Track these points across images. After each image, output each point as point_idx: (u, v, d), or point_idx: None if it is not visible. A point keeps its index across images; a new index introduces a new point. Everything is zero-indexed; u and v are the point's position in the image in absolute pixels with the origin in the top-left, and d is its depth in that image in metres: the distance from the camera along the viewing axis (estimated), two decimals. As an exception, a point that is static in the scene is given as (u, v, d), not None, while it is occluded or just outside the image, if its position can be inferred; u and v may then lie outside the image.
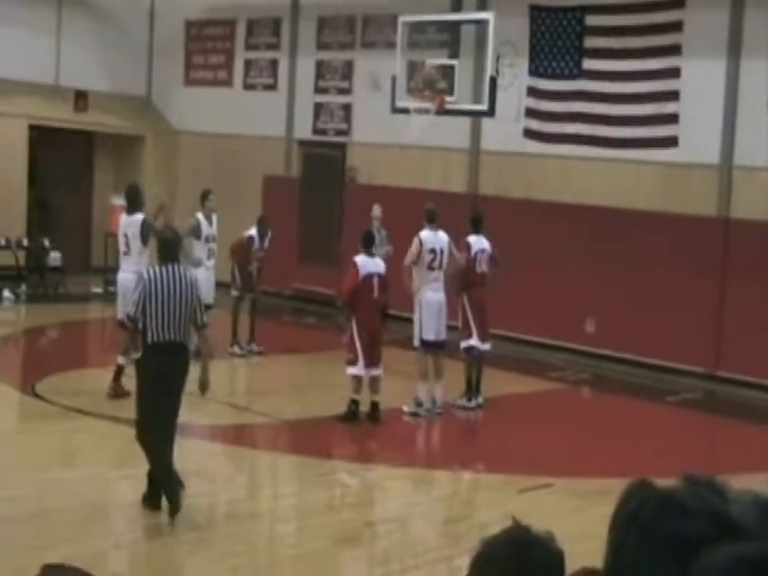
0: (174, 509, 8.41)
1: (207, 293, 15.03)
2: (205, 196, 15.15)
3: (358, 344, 12.13)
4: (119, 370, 12.37)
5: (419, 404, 12.71)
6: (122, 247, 12.97)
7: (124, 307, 12.15)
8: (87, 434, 11.55)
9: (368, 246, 12.43)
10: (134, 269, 12.12)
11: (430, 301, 12.78)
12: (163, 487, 8.61)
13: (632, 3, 16.32)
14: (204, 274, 14.96)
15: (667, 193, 16.01)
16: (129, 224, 12.77)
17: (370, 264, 12.28)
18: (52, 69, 22.07)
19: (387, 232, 15.16)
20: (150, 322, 8.60)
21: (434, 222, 13.02)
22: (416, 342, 12.98)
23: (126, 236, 12.84)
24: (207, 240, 14.94)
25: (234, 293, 15.65)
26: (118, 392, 12.31)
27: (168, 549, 8.43)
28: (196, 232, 14.84)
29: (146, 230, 12.63)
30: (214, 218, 15.08)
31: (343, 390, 12.65)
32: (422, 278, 12.77)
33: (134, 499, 8.90)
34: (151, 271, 8.87)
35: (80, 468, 10.42)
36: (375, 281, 12.25)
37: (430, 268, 12.79)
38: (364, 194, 18.35)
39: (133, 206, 13.02)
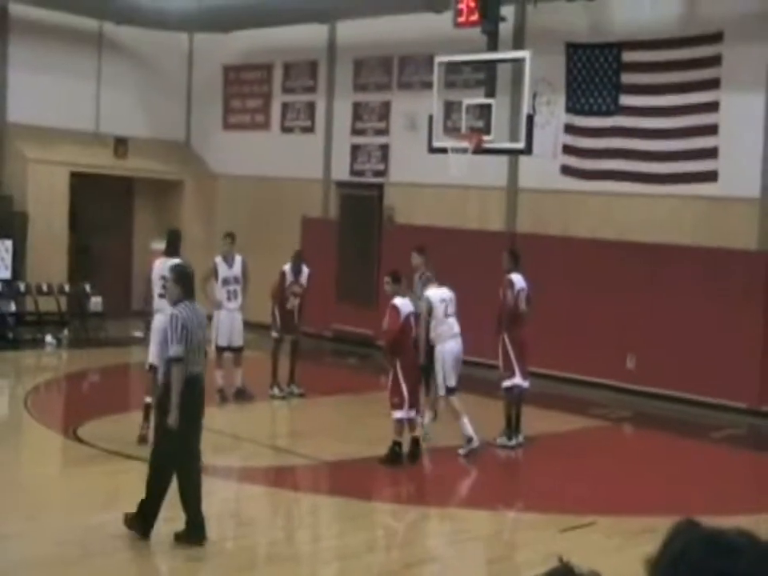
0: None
1: (230, 334, 15.15)
2: (223, 238, 15.46)
3: (404, 386, 12.13)
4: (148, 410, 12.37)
5: (469, 440, 12.73)
6: (157, 290, 13.09)
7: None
8: (129, 477, 11.60)
9: (399, 283, 12.52)
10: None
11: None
12: (156, 500, 9.00)
13: (669, 39, 16.36)
14: (225, 316, 15.10)
15: (708, 227, 15.97)
16: (168, 267, 12.88)
17: (406, 304, 12.36)
18: (92, 116, 22.47)
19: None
20: (187, 357, 9.03)
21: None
22: (441, 392, 13.00)
23: (164, 278, 12.96)
24: (226, 282, 15.14)
25: (274, 334, 15.77)
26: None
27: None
28: (214, 274, 15.09)
29: None
30: (238, 259, 15.25)
31: (383, 430, 12.70)
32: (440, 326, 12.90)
33: (170, 545, 9.00)
34: (184, 310, 9.16)
35: (122, 511, 10.48)
36: (412, 320, 12.37)
37: (445, 315, 12.98)
38: (402, 234, 18.48)
39: (173, 250, 13.22)
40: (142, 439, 12.22)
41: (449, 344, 12.93)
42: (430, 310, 12.97)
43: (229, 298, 15.13)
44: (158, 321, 12.93)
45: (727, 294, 15.53)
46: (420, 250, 14.57)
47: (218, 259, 15.30)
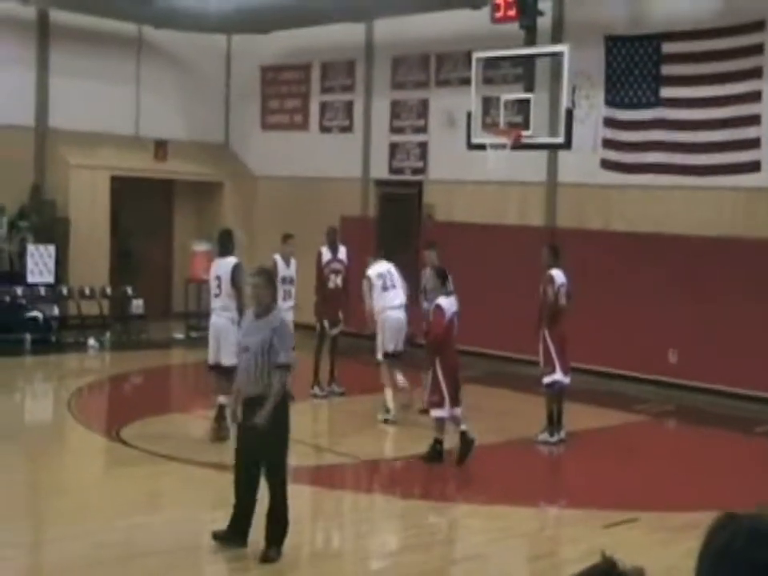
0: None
1: None
2: (284, 239, 15.43)
3: (443, 385, 12.14)
4: (221, 411, 12.59)
5: (387, 410, 13.99)
6: (213, 290, 13.26)
7: (216, 352, 12.72)
8: (172, 479, 11.73)
9: (444, 283, 12.56)
10: (224, 311, 12.79)
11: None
12: (284, 526, 8.91)
13: (710, 29, 16.25)
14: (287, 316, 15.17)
15: (751, 218, 15.85)
16: (221, 267, 13.04)
17: (451, 304, 12.39)
18: (132, 120, 22.66)
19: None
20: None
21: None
22: (379, 356, 14.45)
23: (218, 278, 13.09)
24: (284, 281, 15.18)
25: (329, 329, 15.76)
26: (221, 435, 12.57)
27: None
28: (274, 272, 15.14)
29: (236, 274, 12.89)
30: (293, 261, 15.32)
31: (423, 428, 12.73)
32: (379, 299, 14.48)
33: (212, 547, 9.05)
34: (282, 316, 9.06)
35: (165, 512, 10.59)
36: (455, 320, 12.38)
37: (384, 288, 14.54)
38: (442, 232, 18.46)
39: (225, 249, 13.34)
40: (218, 438, 12.55)
41: (388, 313, 14.21)
42: (370, 286, 14.44)
43: (284, 298, 15.12)
44: (215, 323, 13.08)
45: (769, 285, 15.44)
46: (430, 246, 14.84)
47: (278, 257, 15.29)
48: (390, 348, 14.39)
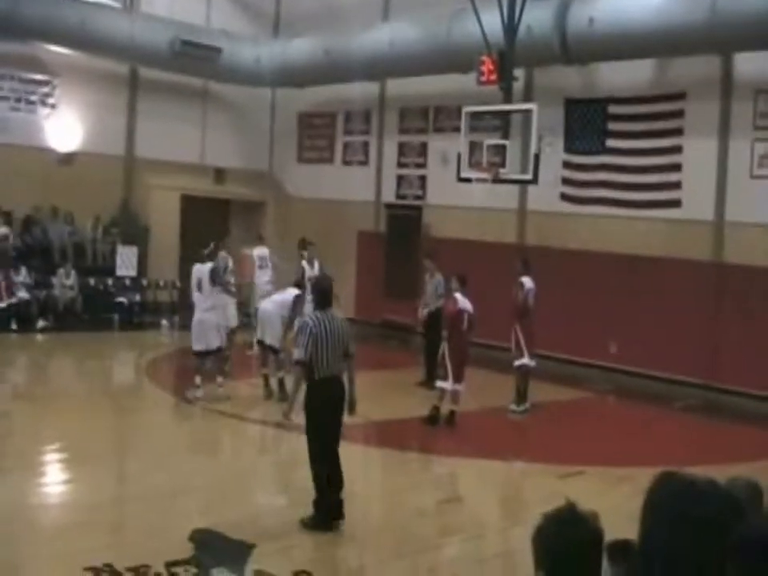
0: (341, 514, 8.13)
1: None
2: (305, 245, 15.55)
3: (448, 364, 12.06)
4: (267, 378, 13.15)
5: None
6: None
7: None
8: (223, 430, 11.76)
9: (464, 285, 12.46)
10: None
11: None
12: (326, 493, 8.12)
13: (645, 96, 16.26)
14: (309, 308, 15.08)
15: (672, 242, 15.81)
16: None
17: (463, 302, 12.29)
18: (198, 152, 22.58)
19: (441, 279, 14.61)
20: (317, 361, 7.94)
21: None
22: None
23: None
24: (310, 281, 15.12)
25: None
26: (271, 393, 13.02)
27: (289, 517, 8.32)
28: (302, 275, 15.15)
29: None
30: (316, 262, 15.33)
31: (420, 397, 12.68)
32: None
33: (256, 484, 9.03)
34: (314, 318, 8.10)
35: (217, 456, 10.59)
36: (465, 316, 12.25)
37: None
38: (437, 245, 18.41)
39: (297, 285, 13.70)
40: (269, 395, 12.98)
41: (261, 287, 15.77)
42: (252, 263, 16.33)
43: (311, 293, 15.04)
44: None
45: (688, 294, 15.39)
46: (430, 256, 14.83)
47: (305, 264, 15.20)
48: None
